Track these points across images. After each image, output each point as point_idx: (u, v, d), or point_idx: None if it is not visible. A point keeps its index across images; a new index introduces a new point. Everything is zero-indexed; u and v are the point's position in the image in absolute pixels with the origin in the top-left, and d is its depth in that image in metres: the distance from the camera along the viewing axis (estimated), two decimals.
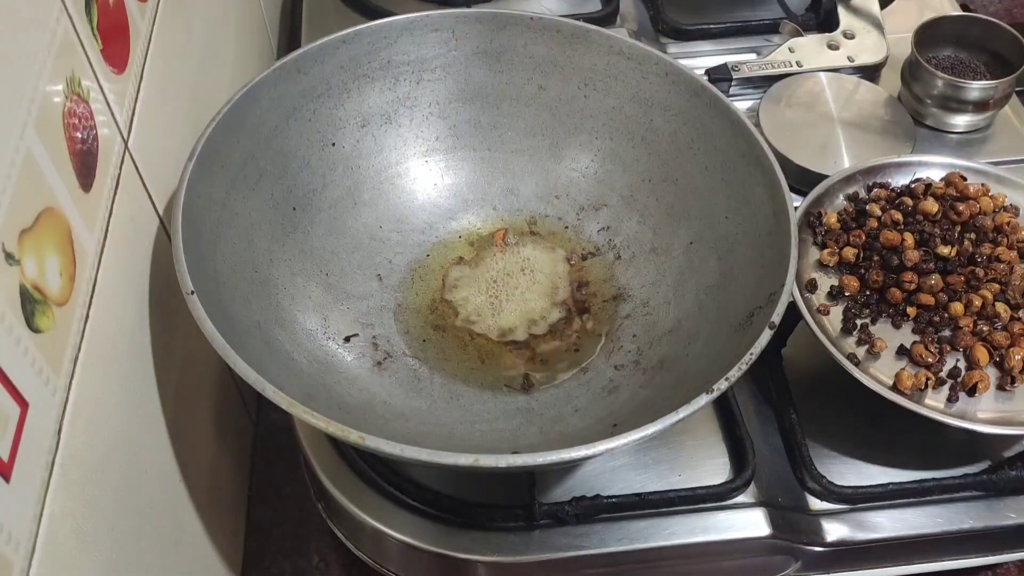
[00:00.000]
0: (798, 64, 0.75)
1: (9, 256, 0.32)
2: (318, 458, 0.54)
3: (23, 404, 0.32)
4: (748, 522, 0.52)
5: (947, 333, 0.54)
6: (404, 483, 0.52)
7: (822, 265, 0.57)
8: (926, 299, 0.54)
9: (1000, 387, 0.52)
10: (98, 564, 0.37)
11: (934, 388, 0.52)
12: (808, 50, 0.76)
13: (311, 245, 0.57)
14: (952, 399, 0.52)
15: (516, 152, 0.64)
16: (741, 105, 0.73)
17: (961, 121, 0.72)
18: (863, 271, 0.56)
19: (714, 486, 0.53)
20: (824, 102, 0.72)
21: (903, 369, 0.52)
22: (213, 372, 0.57)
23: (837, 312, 0.55)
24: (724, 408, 0.56)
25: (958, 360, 0.53)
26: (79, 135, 0.39)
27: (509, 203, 0.64)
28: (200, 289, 0.44)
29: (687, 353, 0.53)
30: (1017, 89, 0.76)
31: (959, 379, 0.52)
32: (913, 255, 0.55)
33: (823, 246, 0.58)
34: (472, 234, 0.63)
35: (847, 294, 0.56)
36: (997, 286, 0.55)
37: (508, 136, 0.64)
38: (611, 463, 0.54)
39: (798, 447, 0.54)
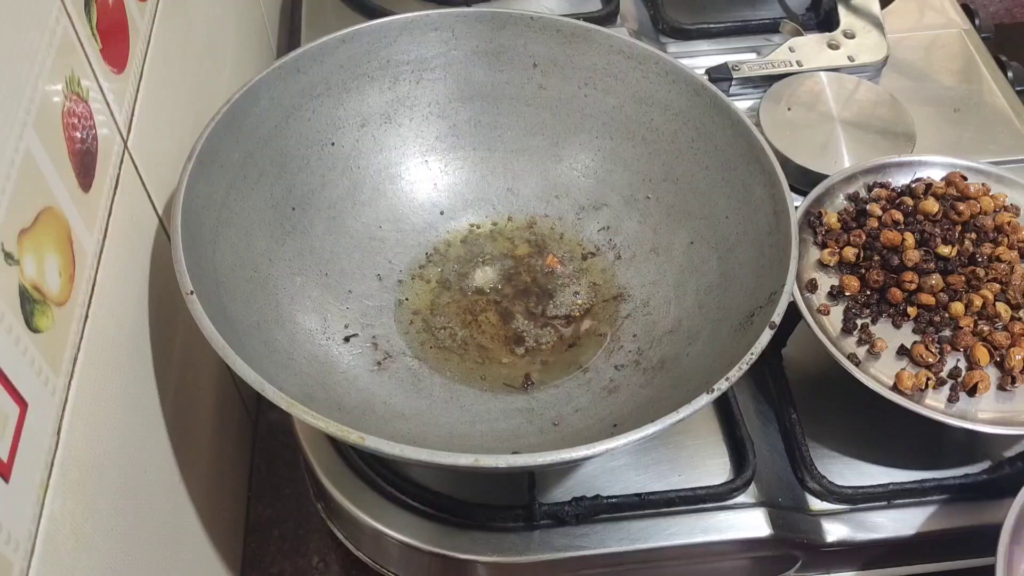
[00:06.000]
0: (798, 64, 0.75)
1: (8, 256, 0.32)
2: (318, 458, 0.54)
3: (22, 404, 0.32)
4: (748, 522, 0.52)
5: (947, 333, 0.54)
6: (404, 483, 0.52)
7: (822, 265, 0.57)
8: (926, 299, 0.54)
9: (1000, 387, 0.52)
10: (97, 564, 0.37)
11: (934, 388, 0.52)
12: (808, 49, 0.76)
13: (310, 245, 0.57)
14: (952, 399, 0.52)
15: (516, 152, 0.64)
16: (741, 105, 0.73)
17: None
18: (863, 271, 0.56)
19: (714, 486, 0.52)
20: (824, 102, 0.72)
21: (903, 369, 0.52)
22: (213, 372, 0.57)
23: (837, 312, 0.55)
24: (724, 408, 0.56)
25: (958, 360, 0.53)
26: (78, 135, 0.39)
27: (509, 203, 0.64)
28: (199, 289, 0.44)
29: (687, 353, 0.53)
30: (1017, 89, 0.76)
31: (959, 379, 0.52)
32: (913, 255, 0.55)
33: (823, 246, 0.58)
34: (472, 234, 0.63)
35: (847, 294, 0.56)
36: (997, 286, 0.55)
37: (508, 136, 0.64)
38: (611, 463, 0.54)
39: (798, 447, 0.54)
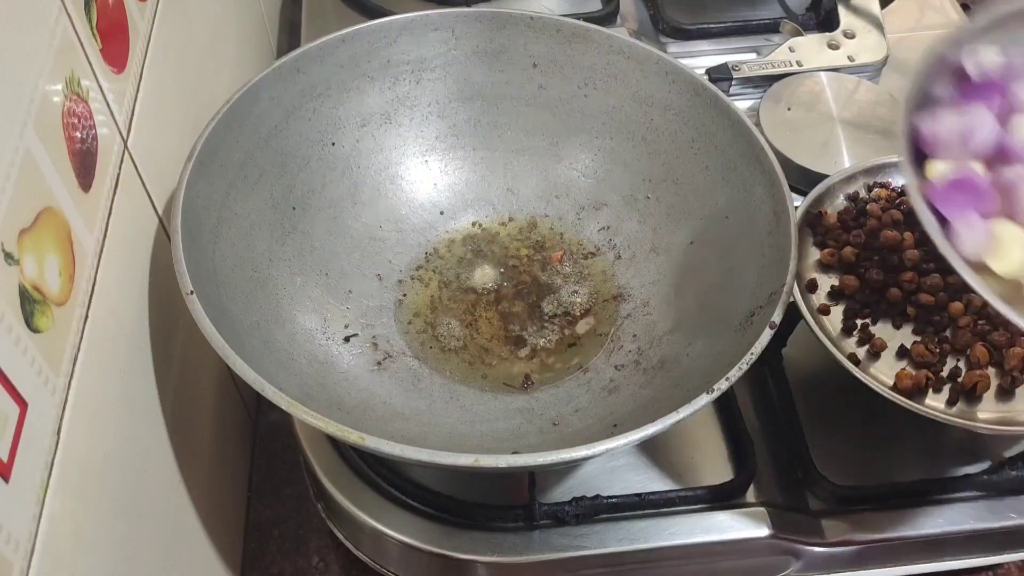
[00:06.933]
0: (798, 64, 0.75)
1: (8, 256, 0.32)
2: (318, 458, 0.54)
3: (22, 404, 0.32)
4: (748, 522, 0.52)
5: (947, 333, 0.54)
6: (404, 483, 0.52)
7: (822, 265, 0.57)
8: (926, 299, 0.54)
9: (1001, 387, 0.52)
10: (97, 564, 0.37)
11: (934, 388, 0.52)
12: (808, 50, 0.76)
13: (311, 245, 0.57)
14: (952, 399, 0.52)
15: (516, 152, 0.64)
16: (741, 105, 0.73)
17: None
18: (863, 271, 0.56)
19: (714, 486, 0.52)
20: (824, 102, 0.72)
21: (903, 369, 0.52)
22: (213, 372, 0.57)
23: (837, 312, 0.55)
24: (724, 408, 0.56)
25: (958, 360, 0.53)
26: (78, 135, 0.39)
27: (509, 203, 0.64)
28: (199, 289, 0.44)
29: (687, 353, 0.53)
30: None
31: (959, 379, 0.52)
32: (913, 254, 0.55)
33: (823, 246, 0.58)
34: (472, 234, 0.63)
35: (847, 294, 0.56)
36: None
37: (508, 136, 0.64)
38: (611, 463, 0.54)
39: (798, 447, 0.54)
